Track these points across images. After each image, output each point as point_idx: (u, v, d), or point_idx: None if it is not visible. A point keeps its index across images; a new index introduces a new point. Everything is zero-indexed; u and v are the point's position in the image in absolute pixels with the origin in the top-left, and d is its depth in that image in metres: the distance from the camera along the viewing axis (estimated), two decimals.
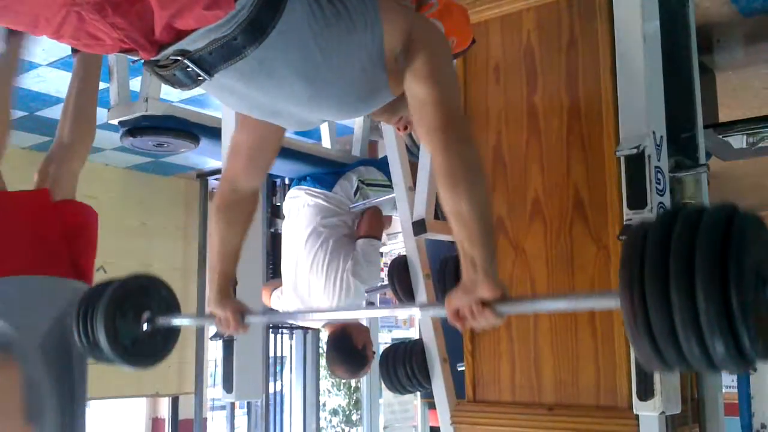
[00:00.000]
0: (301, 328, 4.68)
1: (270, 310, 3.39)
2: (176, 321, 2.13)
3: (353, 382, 8.55)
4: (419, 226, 2.87)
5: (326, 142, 3.92)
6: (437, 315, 2.69)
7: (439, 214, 3.04)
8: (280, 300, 3.45)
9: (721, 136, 3.39)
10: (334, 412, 9.15)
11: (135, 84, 3.30)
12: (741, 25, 3.27)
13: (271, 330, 4.54)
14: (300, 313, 3.29)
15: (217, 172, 5.25)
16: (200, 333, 5.78)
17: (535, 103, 2.42)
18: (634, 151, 2.02)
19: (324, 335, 3.55)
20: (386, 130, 3.06)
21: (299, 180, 3.60)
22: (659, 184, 2.03)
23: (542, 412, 2.28)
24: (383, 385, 3.28)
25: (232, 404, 5.09)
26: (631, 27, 2.11)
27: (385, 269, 4.34)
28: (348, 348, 3.21)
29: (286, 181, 4.20)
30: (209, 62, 1.44)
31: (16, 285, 2.28)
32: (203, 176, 5.82)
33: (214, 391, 6.31)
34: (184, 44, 1.40)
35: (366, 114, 1.94)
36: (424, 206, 2.86)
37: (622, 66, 2.12)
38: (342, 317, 3.19)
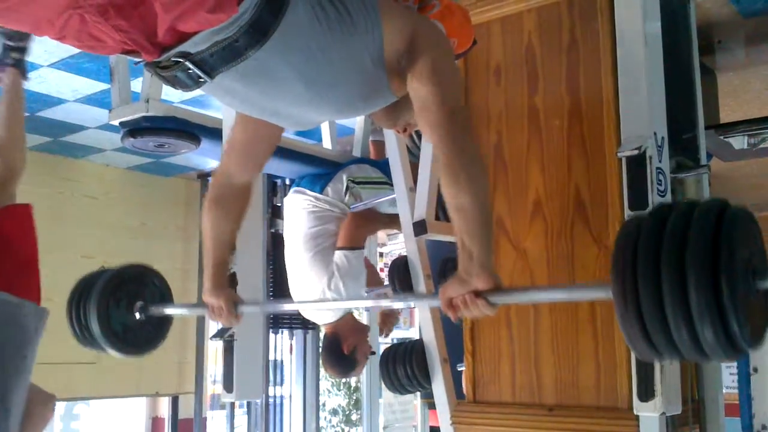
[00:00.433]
0: (302, 328, 4.68)
1: (264, 301, 3.36)
2: (169, 310, 2.16)
3: (353, 382, 8.55)
4: (420, 227, 2.87)
5: (327, 143, 3.92)
6: (432, 305, 2.70)
7: (439, 214, 3.04)
8: None
9: (722, 137, 3.39)
10: (334, 412, 9.15)
11: (136, 85, 3.30)
12: (742, 26, 3.27)
13: (271, 330, 4.54)
14: (293, 304, 3.29)
15: None
16: (200, 333, 5.79)
17: (536, 104, 2.42)
18: (636, 152, 2.02)
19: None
20: (387, 131, 3.06)
21: (299, 180, 3.59)
22: (660, 185, 2.03)
23: (542, 412, 2.28)
24: (383, 385, 3.28)
25: (232, 404, 5.08)
26: (633, 28, 2.11)
27: (386, 270, 4.34)
28: (335, 352, 3.22)
29: (287, 182, 4.19)
30: (210, 64, 1.45)
31: None
32: (204, 177, 5.82)
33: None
34: (187, 46, 1.41)
35: (366, 114, 1.95)
36: (424, 207, 2.86)
37: (624, 67, 2.12)
38: (337, 307, 3.20)
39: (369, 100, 1.70)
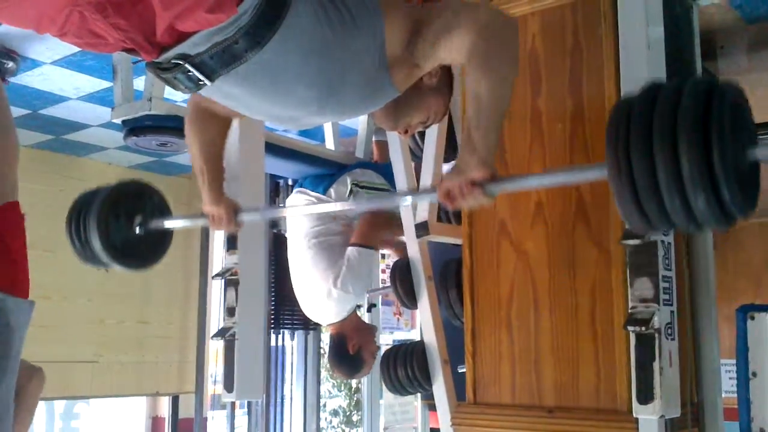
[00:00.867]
0: (303, 328, 4.68)
1: (264, 207, 3.27)
2: (168, 223, 2.16)
3: (354, 383, 8.55)
4: (422, 229, 2.87)
5: (330, 144, 3.92)
6: (430, 200, 2.68)
7: (441, 216, 3.05)
8: None
9: None
10: (335, 413, 9.15)
11: (139, 83, 3.31)
12: (745, 32, 3.27)
13: (272, 330, 4.54)
14: (294, 209, 3.32)
15: None
16: (201, 333, 5.78)
17: (538, 107, 2.43)
18: None
19: (326, 335, 3.55)
20: (390, 132, 3.06)
21: (301, 181, 3.59)
22: None
23: (542, 414, 2.29)
24: (384, 386, 3.28)
25: (233, 404, 5.09)
26: (636, 32, 2.11)
27: (387, 271, 4.34)
28: (341, 353, 3.23)
29: (290, 182, 4.19)
30: (210, 67, 1.44)
31: None
32: None
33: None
34: (185, 47, 1.41)
35: (369, 113, 1.94)
36: (427, 209, 2.87)
37: (626, 71, 2.12)
38: (329, 210, 3.21)
39: (371, 98, 1.69)
